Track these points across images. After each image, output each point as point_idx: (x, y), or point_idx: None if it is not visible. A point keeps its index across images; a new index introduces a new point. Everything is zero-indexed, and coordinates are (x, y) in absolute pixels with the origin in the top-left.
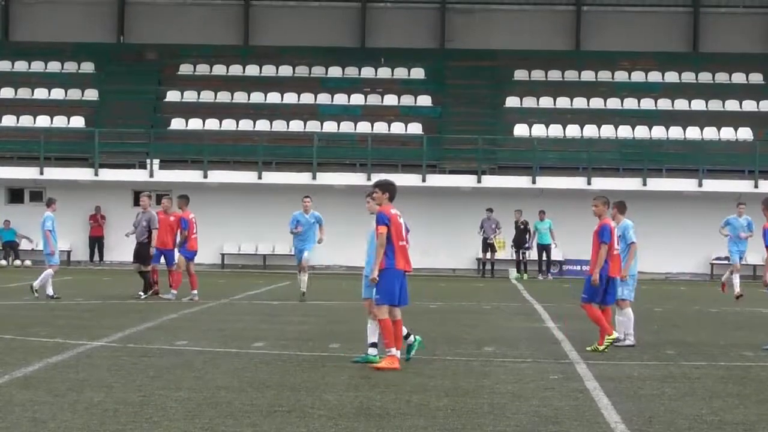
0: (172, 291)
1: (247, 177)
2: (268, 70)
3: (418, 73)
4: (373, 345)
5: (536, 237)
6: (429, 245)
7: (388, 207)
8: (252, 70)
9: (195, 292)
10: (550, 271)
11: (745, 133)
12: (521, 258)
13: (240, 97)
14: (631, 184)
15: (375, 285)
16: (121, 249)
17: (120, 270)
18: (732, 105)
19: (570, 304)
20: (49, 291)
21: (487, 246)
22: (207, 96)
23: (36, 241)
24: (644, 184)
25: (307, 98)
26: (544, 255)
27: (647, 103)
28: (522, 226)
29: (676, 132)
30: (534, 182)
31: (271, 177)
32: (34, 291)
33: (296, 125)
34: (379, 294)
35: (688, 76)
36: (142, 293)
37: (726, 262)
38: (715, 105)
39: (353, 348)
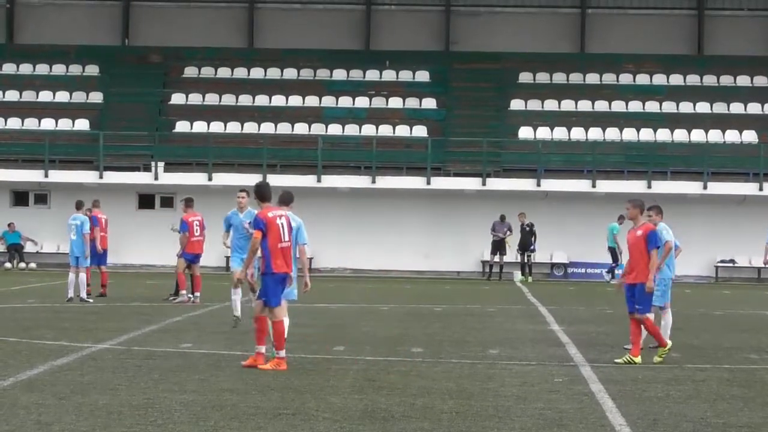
0: (181, 292)
1: (252, 180)
2: (273, 73)
3: (422, 75)
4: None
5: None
6: (433, 248)
7: (265, 210)
8: (257, 72)
9: (197, 294)
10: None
11: (750, 136)
12: (526, 261)
13: (245, 99)
14: (636, 186)
15: (260, 289)
16: (122, 251)
17: (123, 272)
18: (737, 108)
19: (572, 307)
20: (83, 294)
21: (497, 247)
22: (212, 99)
23: (41, 243)
24: (649, 186)
25: (311, 101)
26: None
27: (652, 106)
28: (527, 229)
29: (680, 135)
30: (539, 185)
31: (276, 180)
32: (86, 299)
33: (301, 128)
34: (267, 297)
35: (693, 79)
36: (171, 296)
37: (731, 265)
38: (719, 108)
39: (358, 351)
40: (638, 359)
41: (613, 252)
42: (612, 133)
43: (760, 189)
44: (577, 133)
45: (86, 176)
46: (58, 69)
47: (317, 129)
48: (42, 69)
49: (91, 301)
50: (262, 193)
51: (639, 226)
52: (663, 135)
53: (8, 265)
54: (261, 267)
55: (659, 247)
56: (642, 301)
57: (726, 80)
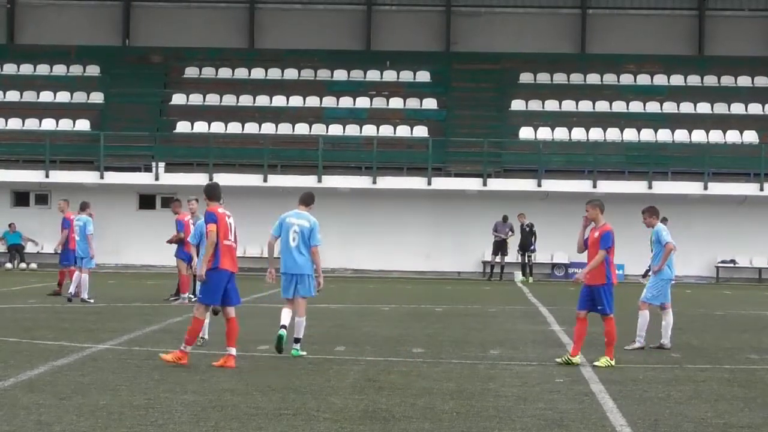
0: (182, 295)
1: (253, 180)
2: (274, 73)
3: (423, 76)
4: (297, 340)
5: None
6: (434, 248)
7: (215, 206)
8: (257, 73)
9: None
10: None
11: (751, 136)
12: (526, 261)
13: (245, 100)
14: (637, 187)
15: (202, 283)
16: (123, 251)
17: (124, 273)
18: (737, 108)
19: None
20: (84, 295)
21: (498, 248)
22: (212, 99)
23: (42, 243)
24: (650, 187)
25: (312, 101)
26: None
27: (653, 106)
28: (527, 229)
29: (681, 135)
30: (539, 185)
31: (277, 180)
32: (87, 300)
33: (302, 128)
34: (203, 294)
35: (694, 79)
36: (172, 297)
37: (731, 265)
38: (720, 108)
39: (359, 351)
40: (576, 359)
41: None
42: (613, 134)
43: (761, 189)
44: (578, 134)
45: (87, 176)
46: (59, 69)
47: (318, 129)
48: (43, 69)
49: (92, 301)
50: (213, 192)
51: (598, 227)
52: (664, 135)
53: (9, 265)
54: (207, 264)
55: (608, 249)
56: (602, 302)
57: (727, 80)
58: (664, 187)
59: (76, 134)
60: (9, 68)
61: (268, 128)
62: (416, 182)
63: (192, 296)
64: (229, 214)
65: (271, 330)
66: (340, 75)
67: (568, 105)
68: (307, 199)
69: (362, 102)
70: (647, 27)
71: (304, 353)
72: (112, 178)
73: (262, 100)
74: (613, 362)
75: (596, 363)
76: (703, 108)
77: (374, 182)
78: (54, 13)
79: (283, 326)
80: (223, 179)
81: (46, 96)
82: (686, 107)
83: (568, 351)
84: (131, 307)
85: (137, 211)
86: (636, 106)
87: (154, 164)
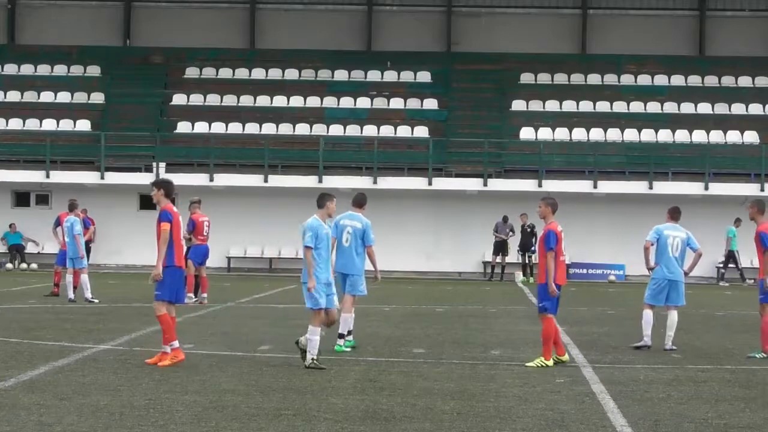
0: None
1: (254, 180)
2: (275, 74)
3: (424, 76)
4: (341, 336)
5: (729, 244)
6: (435, 248)
7: (170, 205)
8: (258, 73)
9: (204, 295)
10: (744, 279)
11: (752, 137)
12: (527, 261)
13: (246, 100)
14: (637, 187)
15: (157, 282)
16: (124, 252)
17: (125, 273)
18: (738, 108)
19: (574, 308)
20: (88, 294)
21: (499, 248)
22: (213, 99)
23: (42, 244)
24: (650, 187)
25: (313, 101)
26: (731, 262)
27: (653, 107)
28: (528, 230)
29: (682, 135)
30: (540, 185)
31: (278, 180)
32: (91, 300)
33: (302, 128)
34: (161, 290)
35: (695, 80)
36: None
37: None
38: (721, 108)
39: (359, 351)
40: (550, 362)
41: (733, 256)
42: (613, 134)
43: (762, 190)
44: (579, 134)
45: (88, 177)
46: (60, 69)
47: (319, 130)
48: (43, 69)
49: (96, 301)
50: (168, 189)
51: (547, 225)
52: (664, 136)
53: (9, 265)
54: (162, 262)
55: (551, 249)
56: (542, 299)
57: (727, 81)
58: (664, 187)
59: (76, 134)
60: (10, 68)
61: (268, 128)
62: (417, 182)
63: (195, 296)
64: (178, 213)
65: (271, 330)
66: (341, 75)
67: (569, 105)
68: (360, 200)
69: (363, 102)
70: (648, 27)
71: (348, 349)
72: (113, 178)
73: (263, 101)
74: (549, 363)
75: (528, 364)
76: (704, 108)
77: (375, 182)
78: (55, 14)
79: (341, 335)
80: (224, 180)
81: (46, 96)
82: (687, 107)
83: (571, 352)
84: (132, 307)
85: (138, 211)
86: (637, 107)
87: (154, 165)
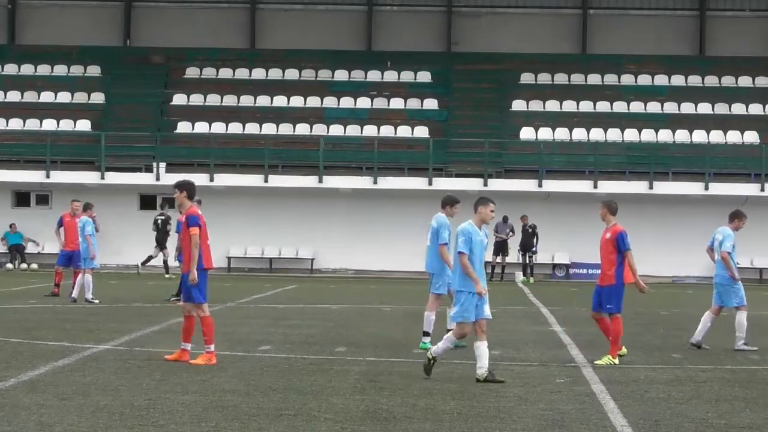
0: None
1: (254, 180)
2: (275, 74)
3: (424, 76)
4: (426, 334)
5: None
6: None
7: (195, 208)
8: (258, 73)
9: None
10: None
11: (752, 137)
12: (527, 262)
13: (246, 100)
14: (638, 187)
15: (195, 285)
16: (124, 252)
17: (125, 273)
18: (738, 108)
19: (574, 308)
20: (88, 295)
21: (499, 248)
22: (213, 99)
23: (43, 244)
24: (651, 187)
25: (313, 101)
26: None
27: (654, 107)
28: (529, 230)
29: (682, 135)
30: (540, 185)
31: (278, 180)
32: (91, 300)
33: (303, 128)
34: (200, 293)
35: (695, 80)
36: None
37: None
38: (721, 108)
39: (360, 352)
40: (617, 359)
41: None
42: (614, 134)
43: (762, 190)
44: (579, 134)
45: (88, 177)
46: (60, 69)
47: (319, 130)
48: (44, 69)
49: (96, 301)
50: (191, 191)
51: (611, 226)
52: (665, 136)
53: (10, 265)
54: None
55: (628, 249)
56: (609, 301)
57: (728, 81)
58: (665, 187)
59: (77, 134)
60: (10, 68)
61: (269, 128)
62: (417, 182)
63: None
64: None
65: (271, 330)
66: (341, 75)
67: (569, 105)
68: (443, 201)
69: (363, 102)
70: (648, 27)
71: (430, 346)
72: (113, 178)
73: (263, 101)
74: (616, 361)
75: (597, 361)
76: (704, 108)
77: (375, 183)
78: (55, 14)
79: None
80: (224, 180)
81: (47, 96)
82: (687, 107)
83: (571, 352)
84: (132, 307)
85: (138, 211)
86: (637, 107)
87: (155, 165)
